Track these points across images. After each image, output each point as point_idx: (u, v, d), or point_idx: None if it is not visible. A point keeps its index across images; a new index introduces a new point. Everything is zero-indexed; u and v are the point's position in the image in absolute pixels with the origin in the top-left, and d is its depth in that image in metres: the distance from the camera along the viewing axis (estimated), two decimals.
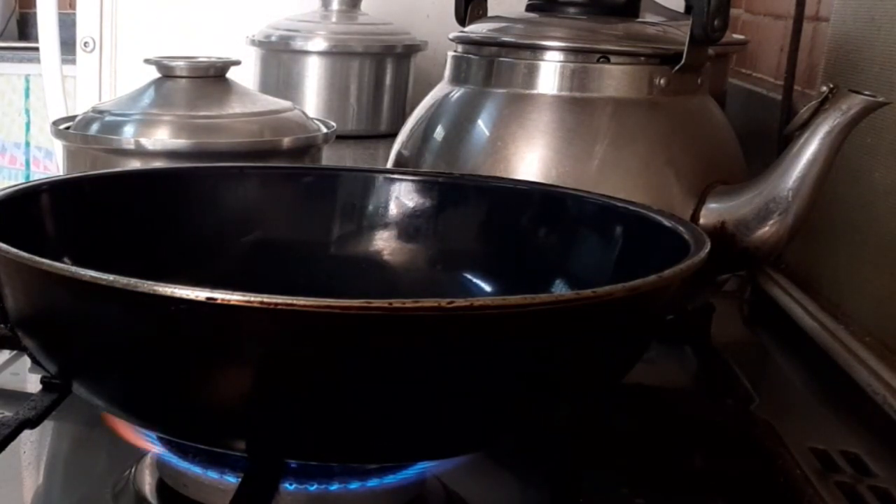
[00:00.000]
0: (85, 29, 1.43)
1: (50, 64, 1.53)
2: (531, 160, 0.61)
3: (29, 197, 0.52)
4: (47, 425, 0.53)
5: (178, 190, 0.59)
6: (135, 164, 0.72)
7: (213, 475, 0.44)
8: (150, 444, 0.46)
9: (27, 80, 2.60)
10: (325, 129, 0.79)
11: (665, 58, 0.62)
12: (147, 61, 0.78)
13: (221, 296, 0.34)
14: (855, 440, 0.56)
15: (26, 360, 0.62)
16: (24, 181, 0.58)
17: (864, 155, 0.67)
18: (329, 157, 0.84)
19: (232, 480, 0.43)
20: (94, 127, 0.75)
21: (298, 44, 1.19)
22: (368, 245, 0.59)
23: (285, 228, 0.60)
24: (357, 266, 0.59)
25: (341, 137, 0.89)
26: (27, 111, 2.63)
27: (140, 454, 0.48)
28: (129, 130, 0.73)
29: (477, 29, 0.68)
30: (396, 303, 0.34)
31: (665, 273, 0.40)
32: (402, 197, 0.59)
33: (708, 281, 0.63)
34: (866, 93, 0.56)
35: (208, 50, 0.90)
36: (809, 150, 0.56)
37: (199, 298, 0.35)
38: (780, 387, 0.66)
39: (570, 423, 0.48)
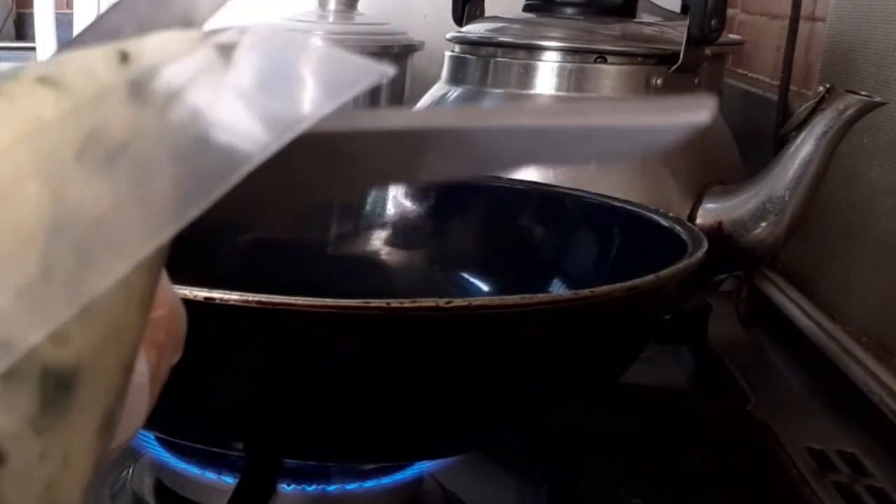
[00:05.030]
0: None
1: None
2: None
3: None
4: None
5: None
6: None
7: (210, 475, 0.44)
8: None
9: None
10: None
11: (662, 58, 0.62)
12: None
13: (220, 295, 0.34)
14: (851, 440, 0.56)
15: None
16: None
17: (861, 155, 0.67)
18: None
19: (229, 481, 0.43)
20: None
21: None
22: (366, 245, 0.59)
23: (283, 228, 0.60)
24: (355, 266, 0.59)
25: None
26: None
27: (138, 455, 0.48)
28: None
29: (474, 29, 0.68)
30: (394, 303, 0.34)
31: (662, 273, 0.40)
32: (400, 197, 0.59)
33: (705, 281, 0.63)
34: (862, 93, 0.56)
35: None
36: (806, 150, 0.56)
37: (198, 298, 0.35)
38: (777, 387, 0.66)
39: (567, 423, 0.48)
